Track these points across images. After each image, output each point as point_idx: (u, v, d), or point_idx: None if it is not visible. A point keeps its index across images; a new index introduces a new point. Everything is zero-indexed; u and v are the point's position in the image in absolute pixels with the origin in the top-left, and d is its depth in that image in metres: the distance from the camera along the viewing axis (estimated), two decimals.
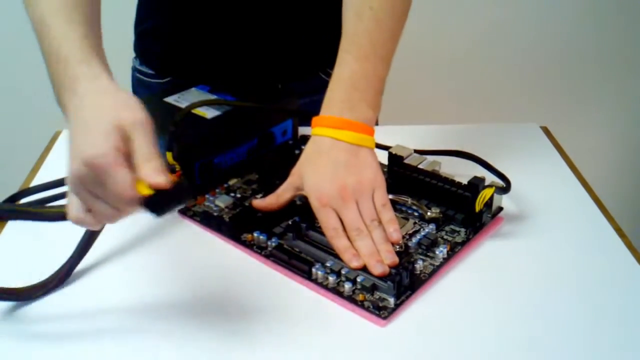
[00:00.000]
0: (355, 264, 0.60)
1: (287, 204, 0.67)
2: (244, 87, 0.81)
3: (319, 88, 0.91)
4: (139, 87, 0.95)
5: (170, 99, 0.78)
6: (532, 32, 1.52)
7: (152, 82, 0.92)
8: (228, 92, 0.80)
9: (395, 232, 0.63)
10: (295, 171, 0.67)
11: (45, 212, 0.59)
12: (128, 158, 0.49)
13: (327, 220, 0.63)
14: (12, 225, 0.69)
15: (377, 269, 0.59)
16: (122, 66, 1.00)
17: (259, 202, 0.68)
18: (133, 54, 0.96)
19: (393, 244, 0.62)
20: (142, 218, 0.68)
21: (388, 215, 0.64)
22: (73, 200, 0.52)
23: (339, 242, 0.62)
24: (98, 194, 0.50)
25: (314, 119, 0.68)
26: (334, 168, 0.64)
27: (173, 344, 0.54)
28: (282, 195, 0.67)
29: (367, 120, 0.66)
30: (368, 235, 0.62)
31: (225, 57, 0.87)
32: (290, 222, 0.65)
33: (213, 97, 0.79)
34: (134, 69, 0.96)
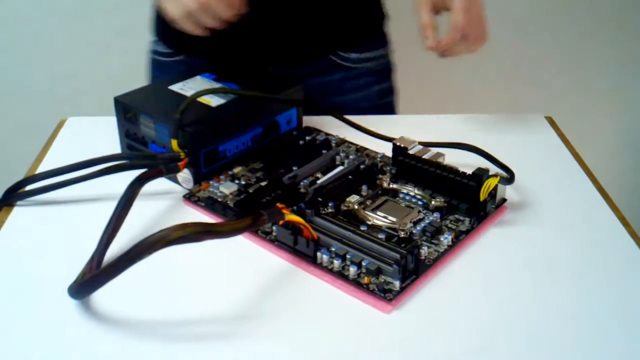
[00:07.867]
0: (428, 42, 0.68)
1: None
2: (253, 71, 0.81)
3: (328, 69, 0.91)
4: (155, 69, 0.97)
5: (175, 87, 0.79)
6: (538, 22, 1.52)
7: (168, 60, 0.94)
8: (233, 80, 0.80)
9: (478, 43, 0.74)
10: None
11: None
12: None
13: None
14: (19, 211, 0.70)
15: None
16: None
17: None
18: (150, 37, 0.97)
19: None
20: (145, 205, 0.69)
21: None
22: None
23: (425, 15, 0.69)
24: None
25: None
26: None
27: (173, 327, 0.55)
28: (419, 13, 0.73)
29: None
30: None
31: (240, 37, 0.88)
32: (295, 208, 0.65)
33: (218, 85, 0.79)
34: (151, 52, 0.98)
